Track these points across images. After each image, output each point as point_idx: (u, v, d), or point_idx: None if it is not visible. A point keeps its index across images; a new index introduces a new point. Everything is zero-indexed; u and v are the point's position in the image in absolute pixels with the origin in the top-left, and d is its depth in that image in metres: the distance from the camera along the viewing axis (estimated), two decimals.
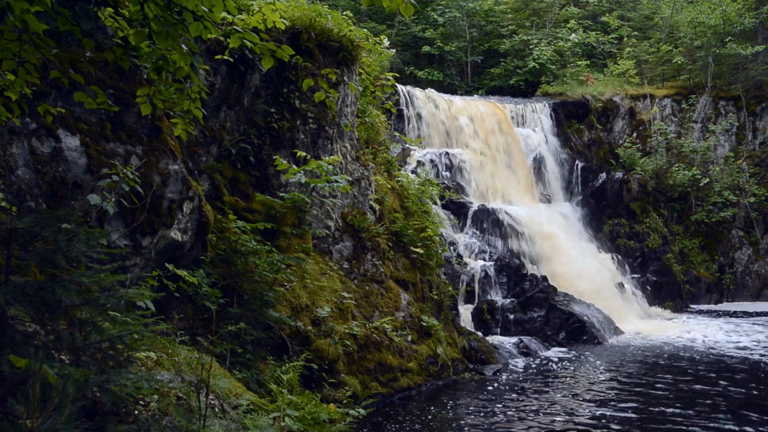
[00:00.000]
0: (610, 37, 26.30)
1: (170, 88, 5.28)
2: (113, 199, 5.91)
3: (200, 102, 4.97)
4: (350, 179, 9.98)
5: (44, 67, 5.46)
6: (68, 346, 3.86)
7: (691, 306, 19.74)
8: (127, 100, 6.52)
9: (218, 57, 8.17)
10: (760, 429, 8.28)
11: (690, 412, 8.95)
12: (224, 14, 6.52)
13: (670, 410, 9.03)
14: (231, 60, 8.36)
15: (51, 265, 4.03)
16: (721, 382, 10.67)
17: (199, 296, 7.01)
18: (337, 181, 8.59)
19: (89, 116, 6.33)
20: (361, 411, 6.40)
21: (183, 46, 4.02)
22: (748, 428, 8.28)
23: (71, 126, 6.13)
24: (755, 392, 10.11)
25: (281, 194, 8.91)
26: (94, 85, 5.39)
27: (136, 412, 4.09)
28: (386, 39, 12.85)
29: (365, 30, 11.77)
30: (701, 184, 21.19)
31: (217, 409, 4.85)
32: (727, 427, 8.33)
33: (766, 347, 13.66)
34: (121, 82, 6.56)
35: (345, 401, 7.25)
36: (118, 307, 4.07)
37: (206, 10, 3.94)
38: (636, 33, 25.98)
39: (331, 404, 6.15)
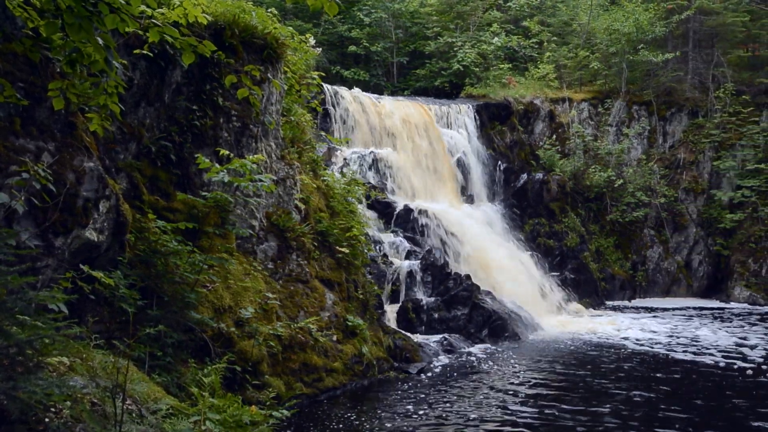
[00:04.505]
0: (531, 41, 27.06)
1: (85, 82, 5.08)
2: (23, 198, 5.63)
3: (117, 97, 4.82)
4: (275, 178, 9.88)
5: None
6: None
7: (607, 302, 20.58)
8: (39, 94, 6.22)
9: (137, 51, 7.93)
10: (666, 415, 8.73)
11: (603, 404, 9.33)
12: (143, 7, 6.32)
13: (583, 403, 9.37)
14: (150, 55, 8.13)
15: None
16: (633, 373, 11.19)
17: (116, 298, 6.77)
18: (261, 180, 8.47)
19: None
20: (285, 412, 6.33)
21: (98, 39, 3.89)
22: (656, 414, 8.71)
23: None
24: (663, 382, 10.63)
25: (204, 193, 8.72)
26: (2, 77, 5.12)
27: (47, 419, 3.91)
28: (312, 38, 12.76)
29: (290, 28, 11.68)
30: (616, 185, 22.11)
31: (134, 415, 4.70)
32: (634, 413, 8.73)
33: (674, 341, 14.41)
34: (32, 76, 6.26)
35: (268, 403, 7.16)
36: (28, 311, 3.89)
37: (123, 2, 3.82)
38: (555, 38, 26.83)
39: (254, 406, 6.06)
